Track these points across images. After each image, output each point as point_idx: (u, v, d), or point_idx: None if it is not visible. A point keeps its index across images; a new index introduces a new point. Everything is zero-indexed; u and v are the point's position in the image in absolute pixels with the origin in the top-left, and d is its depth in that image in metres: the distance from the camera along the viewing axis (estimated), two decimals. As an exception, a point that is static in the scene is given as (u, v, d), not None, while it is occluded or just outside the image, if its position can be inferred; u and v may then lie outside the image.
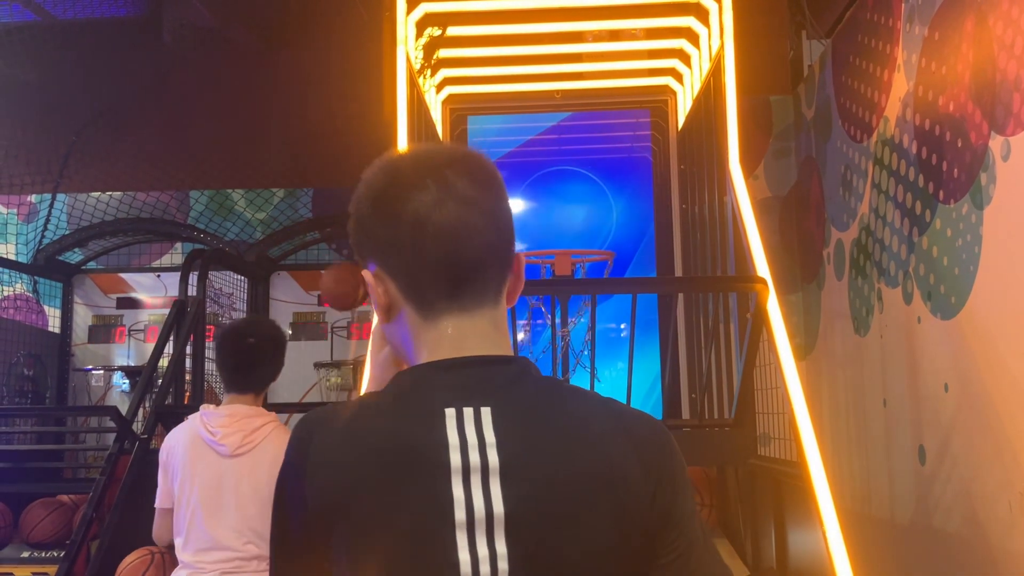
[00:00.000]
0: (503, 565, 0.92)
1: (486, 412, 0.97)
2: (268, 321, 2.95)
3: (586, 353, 4.96)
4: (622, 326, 5.36)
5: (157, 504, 2.79)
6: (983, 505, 3.18)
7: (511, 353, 1.06)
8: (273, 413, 2.78)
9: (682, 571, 1.02)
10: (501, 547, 0.93)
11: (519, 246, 4.36)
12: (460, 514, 0.93)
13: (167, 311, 5.30)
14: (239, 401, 2.75)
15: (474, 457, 0.94)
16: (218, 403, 2.82)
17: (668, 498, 1.02)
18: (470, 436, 0.95)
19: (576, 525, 0.94)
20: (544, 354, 5.18)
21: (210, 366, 5.28)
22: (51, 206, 6.64)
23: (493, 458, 0.94)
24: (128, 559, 3.80)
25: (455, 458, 0.94)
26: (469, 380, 0.99)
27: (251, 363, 2.77)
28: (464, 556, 0.92)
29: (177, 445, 2.75)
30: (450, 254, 1.01)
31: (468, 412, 0.97)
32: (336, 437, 0.98)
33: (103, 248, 6.72)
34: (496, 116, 5.53)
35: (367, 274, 1.07)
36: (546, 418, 0.99)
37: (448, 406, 0.97)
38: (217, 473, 2.65)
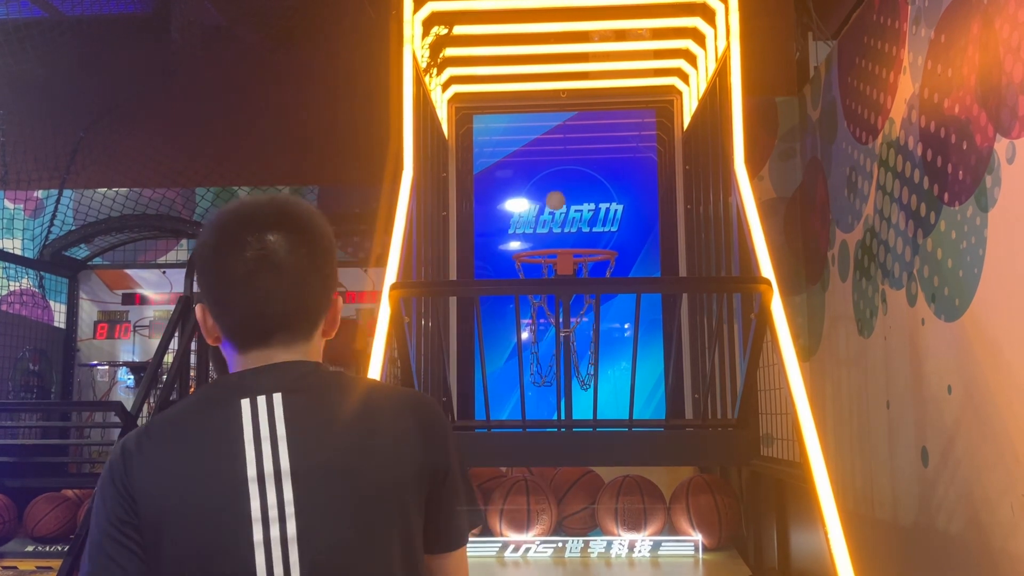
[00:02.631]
0: (290, 509, 1.17)
1: (277, 398, 1.23)
2: None
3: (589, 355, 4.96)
4: (626, 326, 5.36)
5: None
6: (986, 508, 3.18)
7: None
8: None
9: (446, 509, 1.29)
10: (288, 493, 1.17)
11: (521, 245, 4.37)
12: (252, 471, 1.18)
13: (172, 307, 5.32)
14: None
15: (264, 431, 1.20)
16: None
17: (435, 453, 1.28)
18: (262, 416, 1.21)
19: (353, 470, 1.21)
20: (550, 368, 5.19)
21: (215, 362, 5.30)
22: (57, 202, 6.66)
23: (281, 429, 1.21)
24: None
25: (247, 432, 1.20)
26: (264, 379, 1.25)
27: None
28: (255, 503, 1.17)
29: None
30: (257, 317, 1.25)
31: (261, 399, 1.23)
32: (156, 434, 1.25)
33: (109, 244, 6.74)
34: (502, 115, 5.54)
35: (198, 307, 1.32)
36: (330, 398, 1.26)
37: (244, 397, 1.23)
38: None
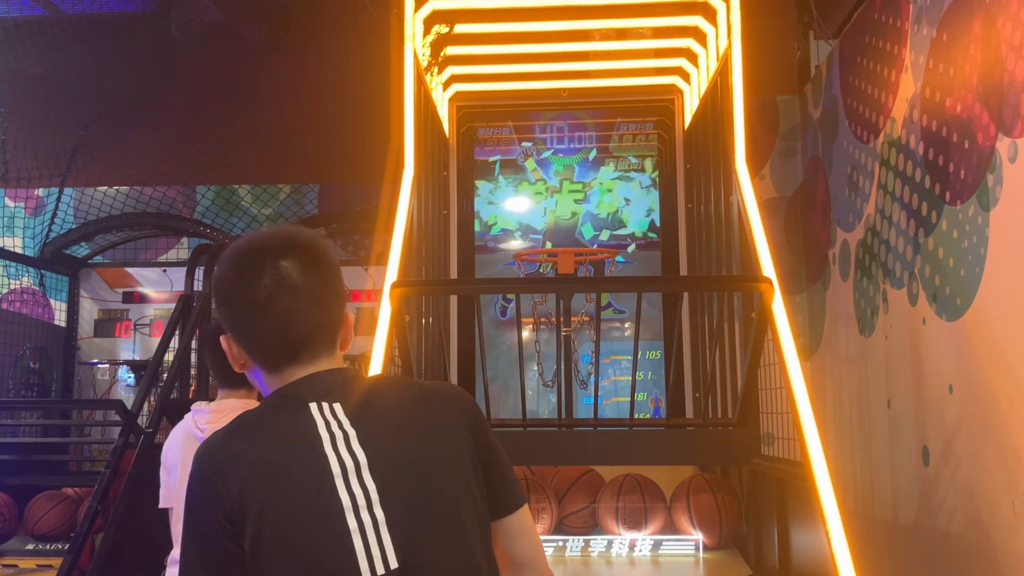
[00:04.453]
0: (375, 497, 1.30)
1: (337, 405, 1.36)
2: None
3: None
4: (626, 325, 5.36)
5: (161, 504, 2.80)
6: (986, 507, 3.17)
7: None
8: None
9: (501, 477, 1.45)
10: (370, 483, 1.30)
11: (522, 244, 4.36)
12: (335, 468, 1.30)
13: (173, 306, 5.31)
14: (232, 397, 2.75)
15: (336, 431, 1.33)
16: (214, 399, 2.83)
17: (483, 434, 1.44)
18: (330, 418, 1.34)
19: (417, 457, 1.36)
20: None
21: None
22: (58, 200, 6.66)
23: (350, 429, 1.34)
24: None
25: (323, 434, 1.32)
26: (317, 385, 1.38)
27: None
28: (344, 495, 1.29)
29: (173, 444, 2.76)
30: (282, 336, 1.37)
31: (325, 404, 1.35)
32: (240, 435, 1.35)
33: (109, 242, 6.74)
34: (502, 113, 5.53)
35: (223, 338, 1.43)
36: (380, 396, 1.41)
37: (310, 402, 1.35)
38: None
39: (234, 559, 1.28)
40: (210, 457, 1.33)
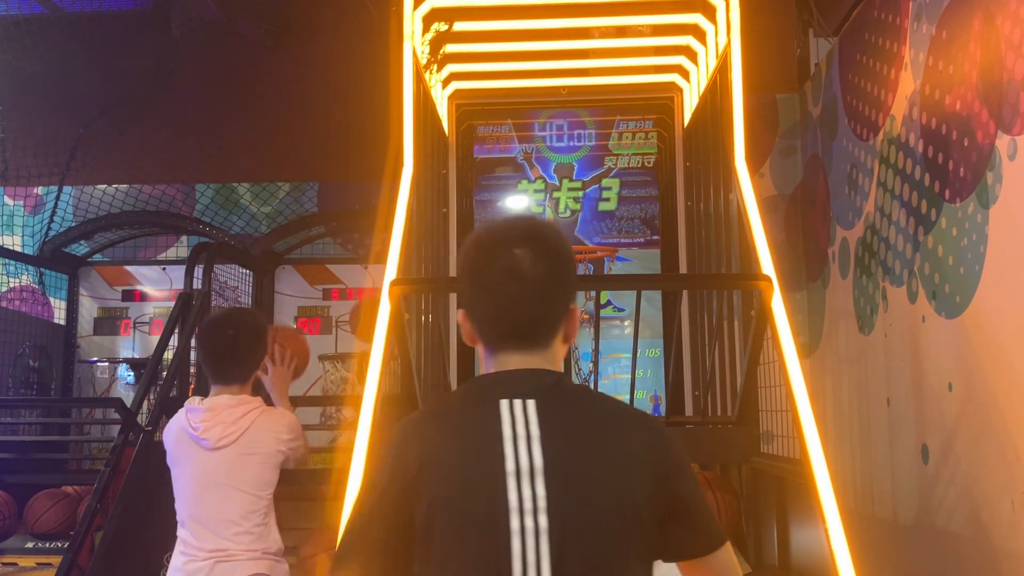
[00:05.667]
0: (541, 504, 1.31)
1: (531, 403, 1.38)
2: (248, 311, 2.94)
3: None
4: (625, 323, 5.36)
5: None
6: (986, 505, 3.17)
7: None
8: (258, 399, 2.78)
9: (680, 516, 1.40)
10: (541, 489, 1.32)
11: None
12: (510, 466, 1.33)
13: (172, 304, 5.31)
14: (225, 392, 2.76)
15: (520, 430, 1.35)
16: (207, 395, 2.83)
17: (669, 471, 1.39)
18: (518, 416, 1.37)
19: (592, 477, 1.34)
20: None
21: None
22: (57, 198, 6.65)
23: (535, 430, 1.35)
24: None
25: (506, 431, 1.35)
26: (518, 382, 1.41)
27: (232, 355, 2.76)
28: (513, 495, 1.31)
29: (169, 440, 2.78)
30: (506, 320, 1.43)
31: (517, 403, 1.38)
32: (430, 422, 1.46)
33: (109, 240, 6.74)
34: (502, 111, 5.53)
35: (459, 312, 1.50)
36: (575, 408, 1.42)
37: (502, 398, 1.39)
38: (205, 467, 2.67)
39: (396, 526, 1.36)
40: (401, 434, 1.44)
